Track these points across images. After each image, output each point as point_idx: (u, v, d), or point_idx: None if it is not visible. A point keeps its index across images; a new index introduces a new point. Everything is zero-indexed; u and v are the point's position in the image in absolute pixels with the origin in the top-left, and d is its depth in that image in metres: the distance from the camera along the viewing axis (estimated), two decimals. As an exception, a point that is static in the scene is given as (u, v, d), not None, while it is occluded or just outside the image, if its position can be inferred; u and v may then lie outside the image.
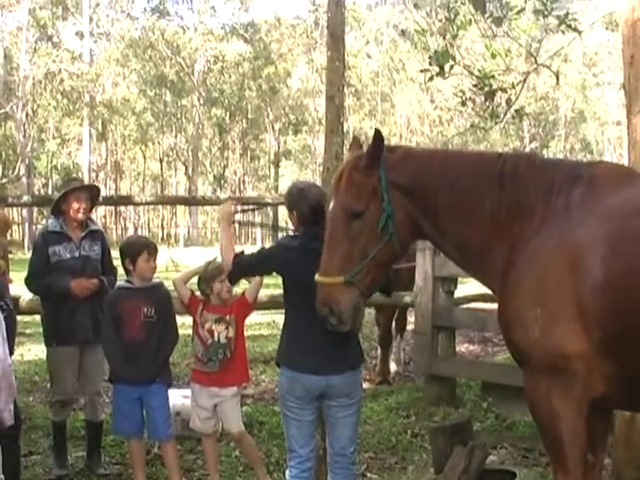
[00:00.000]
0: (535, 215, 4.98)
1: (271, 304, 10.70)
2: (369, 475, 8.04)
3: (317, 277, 5.29)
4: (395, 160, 5.32)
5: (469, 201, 5.17)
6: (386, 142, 5.33)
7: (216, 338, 7.14)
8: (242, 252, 6.17)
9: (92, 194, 8.21)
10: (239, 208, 6.66)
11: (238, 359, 7.27)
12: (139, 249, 7.24)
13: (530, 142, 77.29)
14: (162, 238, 69.15)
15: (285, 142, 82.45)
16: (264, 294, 9.74)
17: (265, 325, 16.96)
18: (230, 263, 6.07)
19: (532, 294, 4.80)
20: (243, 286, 7.66)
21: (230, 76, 75.11)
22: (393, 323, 12.88)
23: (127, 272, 7.40)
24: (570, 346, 4.65)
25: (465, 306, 12.19)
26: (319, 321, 5.38)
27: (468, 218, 5.19)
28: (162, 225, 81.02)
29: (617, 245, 4.57)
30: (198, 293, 7.39)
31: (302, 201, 5.94)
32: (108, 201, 14.52)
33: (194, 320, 7.30)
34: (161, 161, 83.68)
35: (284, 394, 6.02)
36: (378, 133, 5.27)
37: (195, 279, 7.45)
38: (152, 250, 7.33)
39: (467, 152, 5.63)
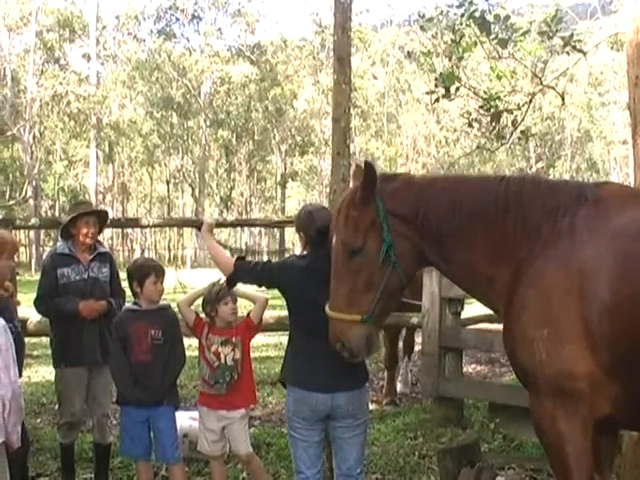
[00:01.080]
0: (541, 236, 4.99)
1: (277, 325, 10.72)
2: (377, 497, 8.03)
3: (328, 311, 5.36)
4: (394, 189, 5.35)
5: (473, 226, 5.19)
6: (384, 171, 5.36)
7: (223, 360, 7.13)
8: (244, 257, 6.24)
9: (100, 218, 8.24)
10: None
11: (245, 381, 7.27)
12: (146, 271, 7.25)
13: (536, 162, 77.40)
14: (169, 260, 69.29)
15: (292, 163, 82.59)
16: (270, 315, 9.77)
17: (272, 346, 16.95)
18: (231, 266, 6.13)
19: (538, 315, 4.81)
20: (248, 307, 7.67)
21: (236, 97, 75.33)
22: (400, 344, 12.90)
23: (135, 294, 7.39)
24: (576, 367, 4.65)
25: (472, 327, 12.18)
26: (323, 340, 5.47)
27: (473, 243, 5.21)
28: (169, 247, 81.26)
29: (623, 266, 4.56)
30: (203, 315, 7.39)
31: (311, 224, 6.00)
32: (115, 223, 14.55)
33: (200, 343, 7.30)
34: (168, 183, 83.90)
35: (291, 415, 6.06)
36: (369, 166, 5.27)
37: (200, 301, 7.45)
38: (159, 272, 7.33)
39: (469, 177, 5.60)
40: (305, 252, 6.15)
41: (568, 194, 5.08)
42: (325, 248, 5.66)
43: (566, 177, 79.15)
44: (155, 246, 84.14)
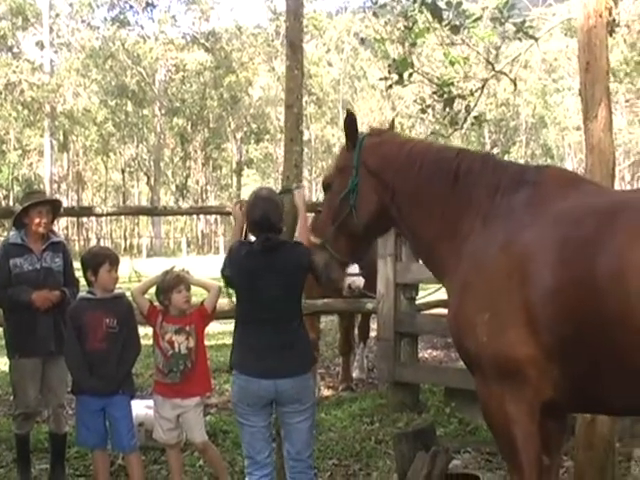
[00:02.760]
0: (480, 213, 5.15)
1: (233, 313, 10.66)
2: (333, 482, 8.06)
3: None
4: (372, 143, 5.78)
5: (425, 193, 5.45)
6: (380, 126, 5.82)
7: (176, 349, 7.12)
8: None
9: (54, 207, 8.18)
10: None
11: (199, 369, 7.26)
12: (101, 260, 7.21)
13: (491, 148, 77.57)
14: (125, 249, 69.00)
15: (247, 151, 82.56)
16: (226, 302, 9.73)
17: (228, 334, 16.73)
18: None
19: (480, 299, 4.90)
20: (202, 295, 7.66)
21: (191, 85, 75.16)
22: (355, 330, 12.94)
23: (89, 283, 7.35)
24: (520, 351, 4.71)
25: (427, 312, 12.22)
26: (267, 326, 5.84)
27: (424, 210, 5.47)
28: (125, 236, 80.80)
29: (565, 251, 4.60)
30: (158, 304, 7.37)
31: (252, 210, 6.04)
32: (69, 212, 14.38)
33: (154, 331, 7.28)
34: (123, 171, 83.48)
35: (236, 402, 6.12)
36: (348, 117, 5.85)
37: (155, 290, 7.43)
38: (114, 261, 7.31)
39: (436, 146, 5.79)
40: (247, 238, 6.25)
41: (511, 175, 5.22)
42: (264, 237, 5.90)
43: (521, 163, 79.64)
44: (111, 235, 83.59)
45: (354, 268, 10.48)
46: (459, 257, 5.16)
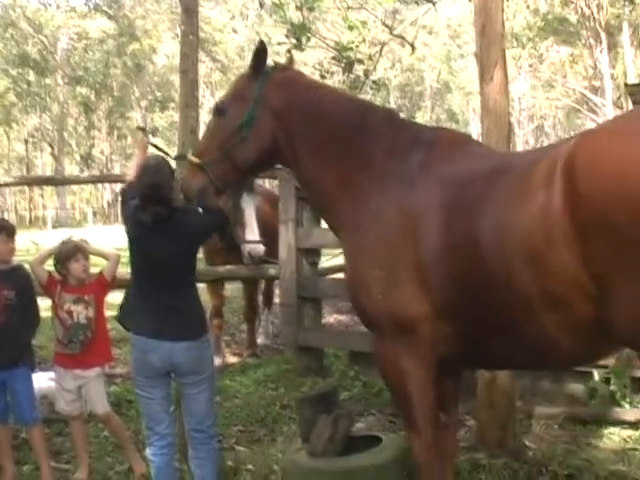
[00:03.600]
0: (376, 170, 5.20)
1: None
2: (238, 448, 8.03)
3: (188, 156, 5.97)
4: (278, 78, 5.65)
5: (328, 144, 5.43)
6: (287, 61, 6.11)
7: (75, 319, 7.07)
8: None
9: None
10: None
11: (100, 339, 7.22)
12: (-5, 231, 7.11)
13: (397, 113, 78.10)
14: (30, 220, 68.08)
15: (152, 119, 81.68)
16: (127, 272, 9.64)
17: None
18: (127, 182, 6.33)
19: (374, 256, 4.96)
20: (102, 264, 7.59)
21: (94, 54, 74.12)
22: (260, 296, 12.94)
23: (-15, 256, 7.24)
24: (412, 308, 4.79)
25: (331, 277, 12.26)
26: (157, 288, 5.88)
27: (324, 161, 5.45)
28: (30, 207, 79.57)
29: (452, 213, 4.68)
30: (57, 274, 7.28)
31: (141, 182, 5.95)
32: (-32, 184, 14.20)
33: (53, 302, 7.20)
34: (26, 142, 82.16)
35: (134, 374, 6.10)
36: (259, 46, 5.67)
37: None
38: (10, 232, 7.20)
39: (346, 97, 5.80)
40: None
41: (408, 135, 5.28)
42: (154, 210, 5.82)
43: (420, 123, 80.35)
44: (15, 207, 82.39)
45: (254, 235, 10.51)
46: (355, 213, 5.21)
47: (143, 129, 6.74)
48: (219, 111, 5.83)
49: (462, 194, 4.70)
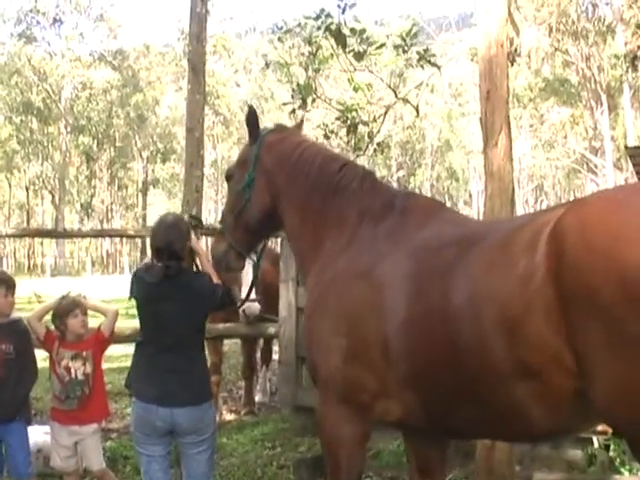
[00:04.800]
0: (346, 235, 5.31)
1: (135, 337, 10.57)
2: (233, 508, 8.00)
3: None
4: (271, 141, 5.96)
5: (304, 202, 5.64)
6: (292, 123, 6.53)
7: (73, 375, 7.02)
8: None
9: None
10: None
11: (97, 395, 7.15)
12: (-5, 285, 7.09)
13: (397, 170, 78.55)
14: (29, 268, 68.06)
15: (153, 170, 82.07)
16: (127, 326, 9.63)
17: (131, 357, 16.66)
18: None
19: (337, 323, 4.99)
20: (99, 319, 7.57)
21: (97, 103, 74.52)
22: (258, 354, 12.91)
23: (-16, 309, 7.22)
24: (371, 381, 4.84)
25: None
26: (165, 351, 5.85)
27: (301, 218, 5.67)
28: (28, 255, 79.53)
29: (420, 282, 4.67)
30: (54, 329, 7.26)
31: (155, 236, 6.03)
32: (-33, 233, 14.16)
33: (51, 357, 7.16)
34: (27, 189, 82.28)
35: (134, 430, 6.07)
36: (249, 112, 6.10)
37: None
38: (10, 285, 7.17)
39: (324, 155, 5.88)
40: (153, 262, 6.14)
41: (381, 200, 5.37)
42: (165, 264, 5.87)
43: (426, 185, 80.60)
44: (14, 254, 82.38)
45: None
46: (322, 274, 5.30)
47: (197, 218, 6.86)
48: (228, 177, 6.24)
49: (432, 262, 4.68)
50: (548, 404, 4.16)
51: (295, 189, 5.70)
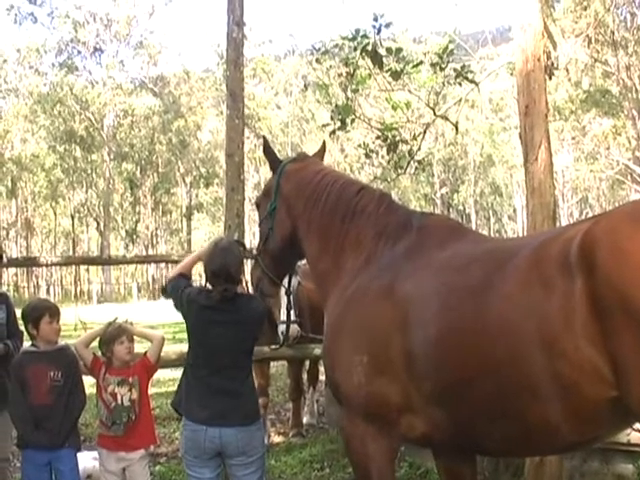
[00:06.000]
0: (364, 257, 5.41)
1: (181, 361, 10.60)
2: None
3: None
4: (291, 170, 6.16)
5: (323, 227, 5.77)
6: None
7: (119, 401, 7.04)
8: (185, 276, 6.43)
9: (-4, 258, 8.10)
10: None
11: (143, 421, 7.18)
12: (40, 313, 7.13)
13: (440, 187, 78.36)
14: (75, 295, 68.37)
15: (197, 195, 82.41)
16: (173, 351, 9.67)
17: (177, 381, 16.68)
18: (171, 277, 6.54)
19: (359, 341, 5.06)
20: (146, 345, 7.61)
21: (140, 130, 75.01)
22: (305, 375, 12.90)
23: (32, 337, 7.28)
24: (394, 396, 4.88)
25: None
26: (215, 374, 5.94)
27: (320, 243, 5.78)
28: (75, 282, 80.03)
29: (448, 300, 4.70)
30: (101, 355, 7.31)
31: (211, 261, 6.07)
32: (13, 263, 14.26)
33: (97, 383, 7.20)
34: (72, 217, 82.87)
35: (184, 453, 6.14)
36: (263, 145, 6.45)
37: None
38: (54, 312, 7.21)
39: (342, 181, 5.96)
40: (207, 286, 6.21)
41: (397, 219, 5.48)
42: (223, 287, 5.93)
43: (470, 201, 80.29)
44: (61, 281, 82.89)
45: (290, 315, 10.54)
46: (341, 294, 5.37)
47: (242, 243, 6.93)
48: (257, 207, 6.50)
49: (459, 279, 4.72)
50: (581, 416, 4.21)
51: (314, 214, 5.84)
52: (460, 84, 10.82)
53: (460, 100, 11.15)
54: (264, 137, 6.53)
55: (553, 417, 4.26)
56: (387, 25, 10.33)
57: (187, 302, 6.15)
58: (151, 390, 7.56)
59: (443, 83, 11.05)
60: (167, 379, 16.21)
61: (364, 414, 5.05)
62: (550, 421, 4.28)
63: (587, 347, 4.01)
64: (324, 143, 6.80)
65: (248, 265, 7.47)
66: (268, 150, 6.43)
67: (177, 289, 6.27)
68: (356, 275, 5.36)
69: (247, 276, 6.80)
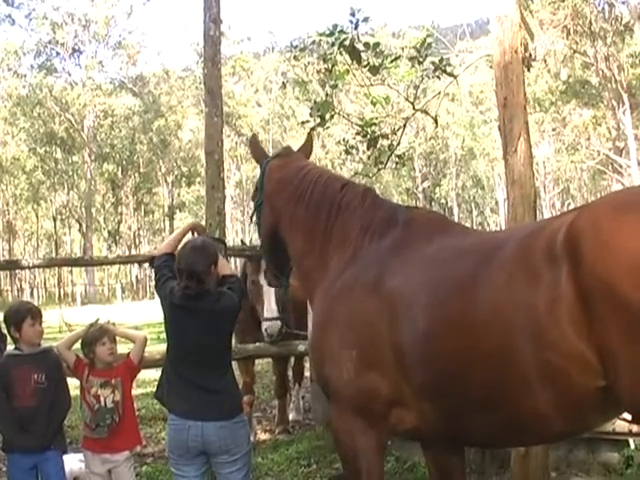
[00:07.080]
0: (349, 252, 5.40)
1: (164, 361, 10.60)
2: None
3: None
4: (274, 166, 6.18)
5: (307, 224, 5.77)
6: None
7: (102, 403, 7.01)
8: (171, 256, 6.40)
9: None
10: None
11: (127, 422, 7.15)
12: (22, 315, 7.10)
13: (422, 181, 78.49)
14: (59, 297, 68.20)
15: (179, 194, 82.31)
16: (157, 351, 9.64)
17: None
18: (158, 254, 6.60)
19: (347, 335, 5.08)
20: (130, 345, 7.59)
21: (120, 130, 74.90)
22: (290, 372, 12.89)
23: (15, 340, 7.25)
24: (384, 390, 4.91)
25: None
26: (191, 369, 5.98)
27: (304, 239, 5.78)
28: (58, 284, 79.85)
29: (435, 293, 4.73)
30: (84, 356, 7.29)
31: (179, 258, 6.09)
32: (-6, 266, 14.27)
33: (81, 385, 7.19)
34: (54, 219, 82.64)
35: (169, 452, 6.18)
36: (250, 141, 6.55)
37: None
38: (36, 314, 7.18)
39: (328, 177, 5.97)
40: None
41: (382, 214, 5.49)
42: (184, 284, 5.93)
43: (452, 194, 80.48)
44: (45, 284, 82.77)
45: (272, 312, 10.54)
46: (328, 289, 5.39)
47: (221, 240, 6.94)
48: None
49: (447, 273, 4.76)
50: (570, 405, 4.24)
51: (298, 211, 5.83)
52: (439, 77, 10.82)
53: (439, 93, 11.13)
54: (253, 134, 6.55)
55: (543, 407, 4.29)
56: (365, 19, 10.32)
57: (163, 297, 6.19)
58: (136, 390, 7.54)
59: (422, 77, 11.04)
60: (152, 379, 16.11)
61: (354, 408, 5.06)
62: (540, 411, 4.31)
63: (574, 337, 4.05)
64: (310, 137, 6.76)
65: (236, 263, 7.49)
66: (254, 146, 6.48)
67: (160, 278, 6.33)
68: (343, 270, 5.36)
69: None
